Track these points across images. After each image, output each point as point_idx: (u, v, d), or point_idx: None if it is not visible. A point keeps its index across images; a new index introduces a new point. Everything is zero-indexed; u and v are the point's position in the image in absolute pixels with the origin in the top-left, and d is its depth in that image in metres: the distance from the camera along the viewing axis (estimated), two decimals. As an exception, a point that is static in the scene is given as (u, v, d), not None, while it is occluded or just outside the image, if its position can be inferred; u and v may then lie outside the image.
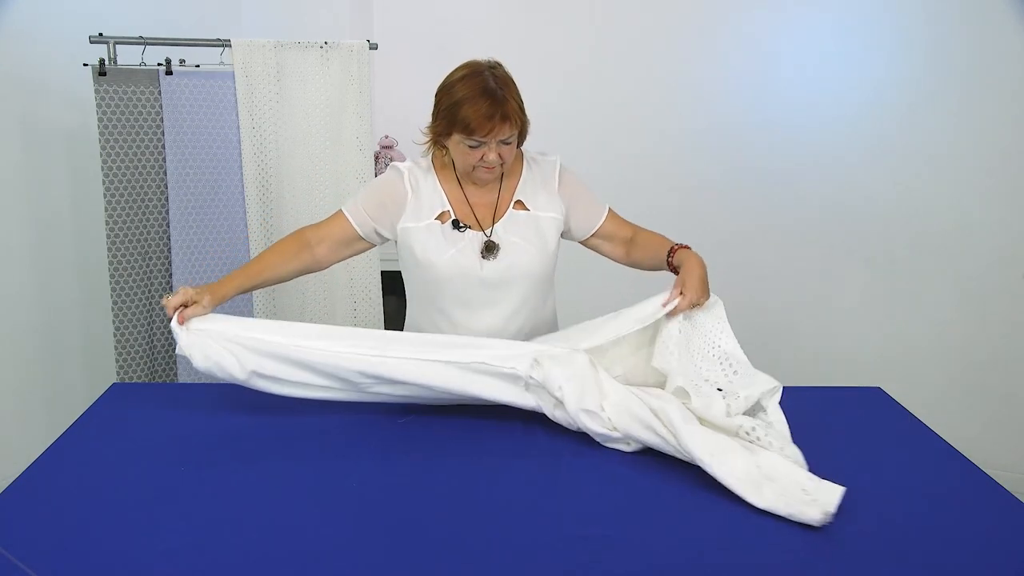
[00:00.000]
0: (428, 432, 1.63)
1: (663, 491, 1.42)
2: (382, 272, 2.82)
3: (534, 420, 1.67)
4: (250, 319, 1.67)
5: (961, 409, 3.11)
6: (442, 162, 1.85)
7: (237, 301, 2.67)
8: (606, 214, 1.94)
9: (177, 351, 1.60)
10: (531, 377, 1.61)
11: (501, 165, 1.76)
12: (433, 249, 1.80)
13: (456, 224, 1.82)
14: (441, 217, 1.82)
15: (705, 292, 1.72)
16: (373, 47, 2.70)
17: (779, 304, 3.46)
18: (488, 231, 1.83)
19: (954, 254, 3.17)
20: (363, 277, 2.78)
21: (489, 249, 1.81)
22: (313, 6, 3.23)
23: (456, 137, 1.72)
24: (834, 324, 3.40)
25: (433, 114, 1.77)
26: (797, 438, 1.62)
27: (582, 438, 1.60)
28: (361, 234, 1.83)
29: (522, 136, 1.80)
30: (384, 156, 3.30)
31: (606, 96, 3.38)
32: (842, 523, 1.31)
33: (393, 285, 3.02)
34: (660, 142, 3.45)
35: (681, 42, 3.37)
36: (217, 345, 1.59)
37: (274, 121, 2.63)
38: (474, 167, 1.75)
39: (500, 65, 1.75)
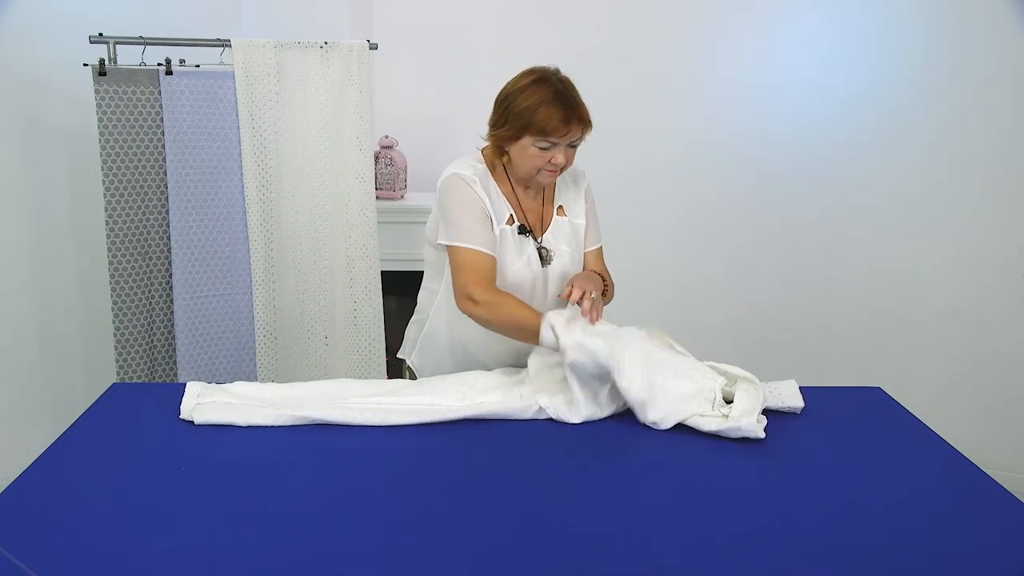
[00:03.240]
0: (427, 432, 1.63)
1: (663, 491, 1.42)
2: (382, 272, 2.82)
3: (534, 420, 1.68)
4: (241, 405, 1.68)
5: (961, 409, 3.11)
6: (495, 168, 1.86)
7: (239, 302, 2.67)
8: (598, 247, 1.99)
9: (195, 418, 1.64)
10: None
11: (563, 168, 1.79)
12: (505, 256, 1.82)
13: (522, 229, 1.85)
14: (507, 221, 1.84)
15: (591, 285, 1.75)
16: (373, 47, 2.70)
17: (779, 304, 3.46)
18: (540, 238, 1.88)
19: (954, 254, 3.17)
20: (363, 277, 2.78)
21: (543, 256, 1.86)
22: (313, 6, 3.23)
23: (527, 140, 1.74)
24: (834, 324, 3.40)
25: (498, 121, 1.78)
26: (798, 438, 1.62)
27: (582, 438, 1.60)
28: (496, 254, 1.82)
29: None
30: (384, 156, 3.30)
31: (606, 98, 3.37)
32: (843, 523, 1.31)
33: (393, 285, 3.03)
34: (660, 144, 3.44)
35: (682, 43, 3.37)
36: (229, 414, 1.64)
37: (274, 121, 2.63)
38: (539, 171, 1.78)
39: (560, 71, 1.80)
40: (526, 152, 1.76)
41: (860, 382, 2.00)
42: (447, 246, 1.81)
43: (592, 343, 1.62)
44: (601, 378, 1.65)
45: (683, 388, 1.63)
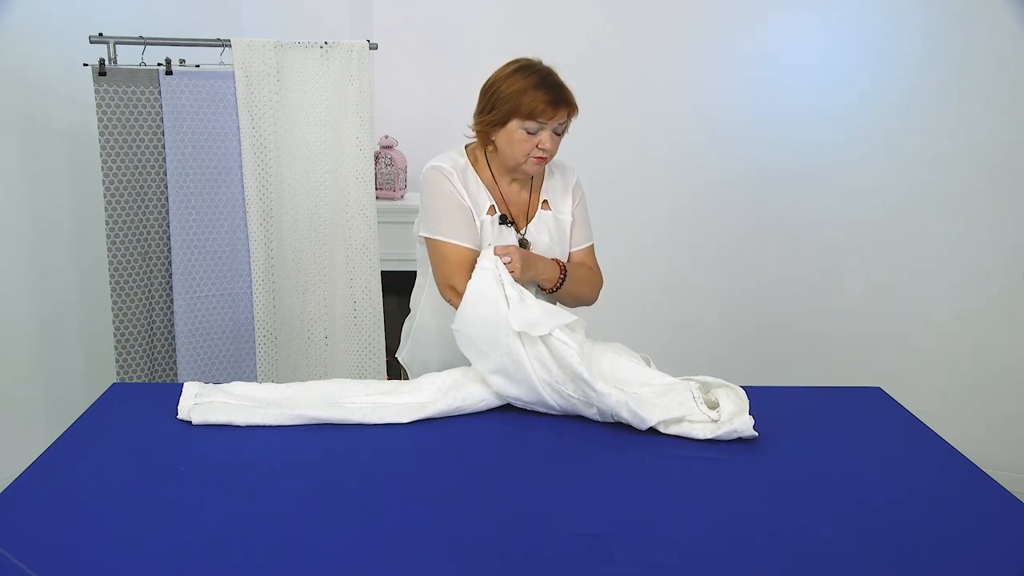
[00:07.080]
0: (427, 432, 1.63)
1: (662, 491, 1.42)
2: (382, 272, 2.82)
3: (533, 420, 1.68)
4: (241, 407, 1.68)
5: (961, 409, 3.10)
6: (477, 160, 1.90)
7: (239, 302, 2.67)
8: (587, 246, 2.00)
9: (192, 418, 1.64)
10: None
11: (549, 156, 1.82)
12: (484, 245, 1.84)
13: (504, 219, 1.88)
14: (488, 211, 1.87)
15: (519, 261, 1.75)
16: (373, 47, 2.70)
17: (779, 304, 3.46)
18: (523, 230, 1.91)
19: (954, 254, 3.17)
20: (363, 277, 2.78)
21: (522, 247, 1.88)
22: (313, 6, 3.23)
23: (514, 124, 1.78)
24: (834, 324, 3.40)
25: (484, 108, 1.83)
26: (798, 438, 1.62)
27: (581, 438, 1.60)
28: (477, 247, 1.84)
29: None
30: (384, 156, 3.30)
31: (606, 98, 3.38)
32: (843, 523, 1.32)
33: (393, 285, 3.03)
34: (661, 144, 3.45)
35: (683, 44, 3.37)
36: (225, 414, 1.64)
37: (274, 121, 2.63)
38: (527, 157, 1.80)
39: (542, 61, 1.85)
40: (513, 138, 1.79)
41: (860, 382, 2.00)
42: (427, 238, 1.86)
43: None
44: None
45: (654, 387, 1.65)
